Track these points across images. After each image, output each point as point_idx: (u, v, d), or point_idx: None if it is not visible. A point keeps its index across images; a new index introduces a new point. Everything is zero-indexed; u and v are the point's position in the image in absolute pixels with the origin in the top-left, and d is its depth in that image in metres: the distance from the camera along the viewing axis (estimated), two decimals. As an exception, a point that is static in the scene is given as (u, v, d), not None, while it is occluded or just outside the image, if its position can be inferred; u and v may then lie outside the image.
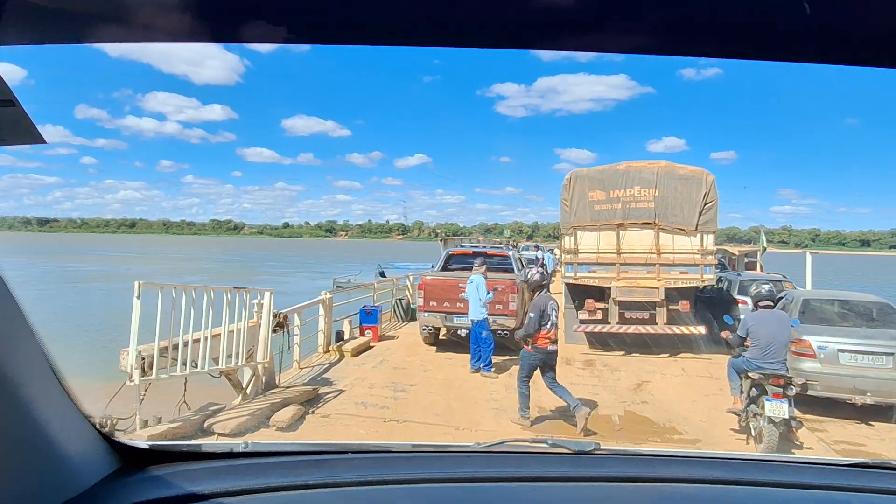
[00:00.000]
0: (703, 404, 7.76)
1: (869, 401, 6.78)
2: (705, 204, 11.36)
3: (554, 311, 6.88)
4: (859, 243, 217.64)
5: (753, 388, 6.10)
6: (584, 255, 11.67)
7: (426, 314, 10.61)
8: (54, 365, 0.92)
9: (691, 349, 11.28)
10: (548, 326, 6.76)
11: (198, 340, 6.23)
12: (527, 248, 27.33)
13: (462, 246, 12.75)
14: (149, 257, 71.56)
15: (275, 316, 7.84)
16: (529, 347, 6.86)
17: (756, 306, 6.33)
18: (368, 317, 11.55)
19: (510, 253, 12.16)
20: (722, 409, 7.10)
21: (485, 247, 12.82)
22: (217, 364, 6.63)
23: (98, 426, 1.10)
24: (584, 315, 11.45)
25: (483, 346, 9.11)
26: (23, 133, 0.81)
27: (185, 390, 6.40)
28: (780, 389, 5.74)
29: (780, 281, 12.39)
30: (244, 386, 7.28)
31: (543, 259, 24.32)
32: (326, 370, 9.32)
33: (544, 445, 1.42)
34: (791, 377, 5.85)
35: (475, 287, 9.16)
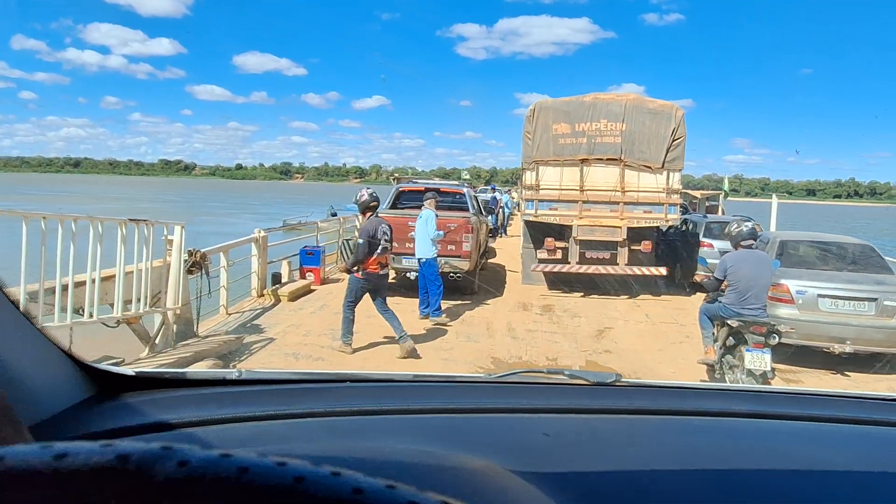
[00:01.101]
0: (670, 353, 7.17)
1: (848, 349, 6.27)
2: (673, 140, 10.76)
3: (385, 235, 6.62)
4: (805, 192, 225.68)
5: (730, 337, 5.45)
6: (546, 192, 10.98)
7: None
8: (5, 289, 0.83)
9: (652, 291, 10.93)
10: (378, 251, 6.54)
11: (84, 283, 5.14)
12: (483, 191, 26.41)
13: (413, 182, 11.67)
14: (87, 197, 67.67)
15: (190, 254, 6.76)
16: (359, 274, 6.61)
17: (736, 246, 5.60)
18: (310, 258, 10.53)
19: (465, 190, 11.21)
20: (690, 358, 6.52)
21: (437, 183, 11.79)
22: (113, 311, 5.57)
23: (68, 352, 0.97)
24: (542, 254, 10.89)
25: (431, 288, 8.25)
26: None
27: (71, 342, 5.32)
28: (762, 338, 5.10)
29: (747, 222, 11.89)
30: (153, 336, 6.26)
31: (501, 200, 23.51)
32: (258, 316, 8.36)
33: (561, 377, 1.35)
34: (774, 325, 5.20)
35: (424, 222, 8.25)
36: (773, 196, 13.23)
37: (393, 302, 9.72)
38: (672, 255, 11.83)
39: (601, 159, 10.86)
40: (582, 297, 10.62)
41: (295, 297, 9.48)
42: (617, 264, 10.56)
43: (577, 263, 10.57)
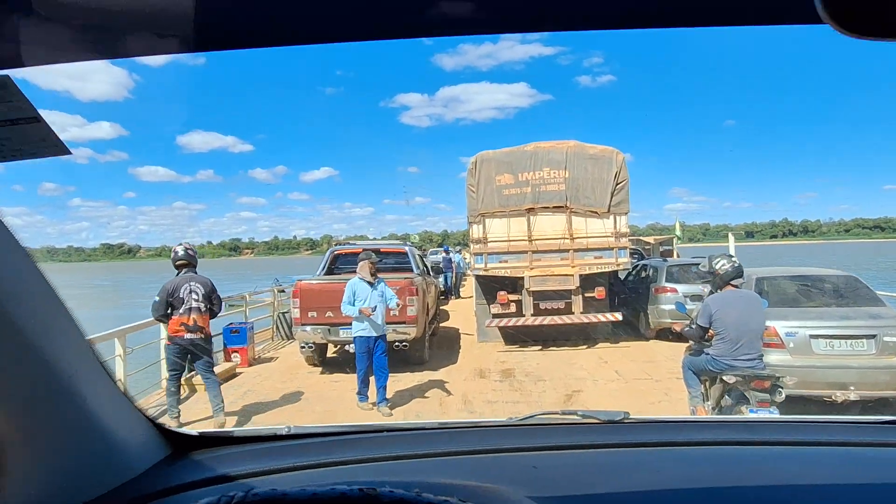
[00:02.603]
0: (651, 415, 6.18)
1: (853, 396, 5.43)
2: (617, 184, 10.62)
3: (193, 294, 6.05)
4: (744, 235, 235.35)
5: (726, 396, 4.52)
6: (494, 244, 10.60)
7: (305, 328, 8.47)
8: (100, 357, 0.92)
9: (612, 339, 10.58)
10: (181, 311, 6.00)
11: None
12: (435, 253, 25.61)
13: (350, 244, 10.65)
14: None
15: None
16: (167, 340, 6.35)
17: (722, 286, 4.76)
18: (234, 336, 9.24)
19: (407, 248, 10.28)
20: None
21: (377, 243, 10.81)
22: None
23: (148, 416, 1.11)
24: (496, 309, 10.46)
25: (357, 370, 6.94)
26: (50, 146, 0.86)
27: None
28: (766, 395, 4.19)
29: (710, 264, 11.32)
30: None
31: (455, 260, 22.67)
32: (166, 412, 6.98)
33: (575, 417, 1.42)
34: (778, 376, 4.31)
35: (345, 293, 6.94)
36: (730, 235, 12.89)
37: (331, 380, 8.59)
38: (633, 303, 11.17)
39: (547, 207, 10.69)
40: (541, 350, 10.06)
41: (216, 384, 8.13)
42: (572, 313, 10.28)
43: (532, 315, 10.24)
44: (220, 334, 9.37)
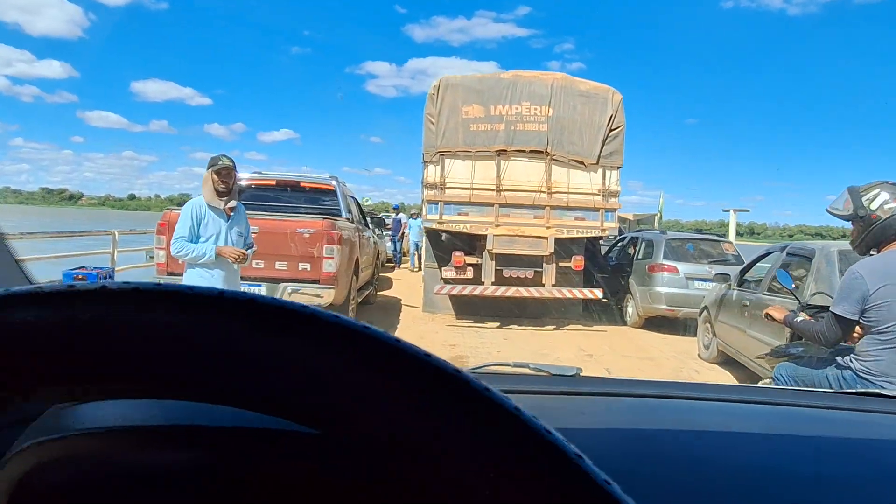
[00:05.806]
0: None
1: None
2: (611, 130, 8.49)
3: None
4: (695, 231, 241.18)
5: None
6: (453, 192, 8.28)
7: (171, 279, 5.88)
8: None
9: (584, 321, 8.64)
10: None
11: None
12: (387, 215, 23.02)
13: (261, 174, 8.00)
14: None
15: None
16: None
17: (877, 244, 2.48)
18: (78, 285, 6.58)
19: (336, 184, 7.74)
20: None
21: (297, 175, 8.17)
22: None
23: None
24: (449, 273, 8.30)
25: None
26: None
27: None
28: None
29: (718, 241, 9.27)
30: None
31: (407, 225, 20.13)
32: None
33: (526, 370, 1.45)
34: None
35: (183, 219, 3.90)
36: (732, 213, 10.95)
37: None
38: (615, 282, 9.03)
39: (523, 151, 8.49)
40: (500, 329, 7.95)
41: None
42: (542, 285, 8.15)
43: (493, 284, 8.04)
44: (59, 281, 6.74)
